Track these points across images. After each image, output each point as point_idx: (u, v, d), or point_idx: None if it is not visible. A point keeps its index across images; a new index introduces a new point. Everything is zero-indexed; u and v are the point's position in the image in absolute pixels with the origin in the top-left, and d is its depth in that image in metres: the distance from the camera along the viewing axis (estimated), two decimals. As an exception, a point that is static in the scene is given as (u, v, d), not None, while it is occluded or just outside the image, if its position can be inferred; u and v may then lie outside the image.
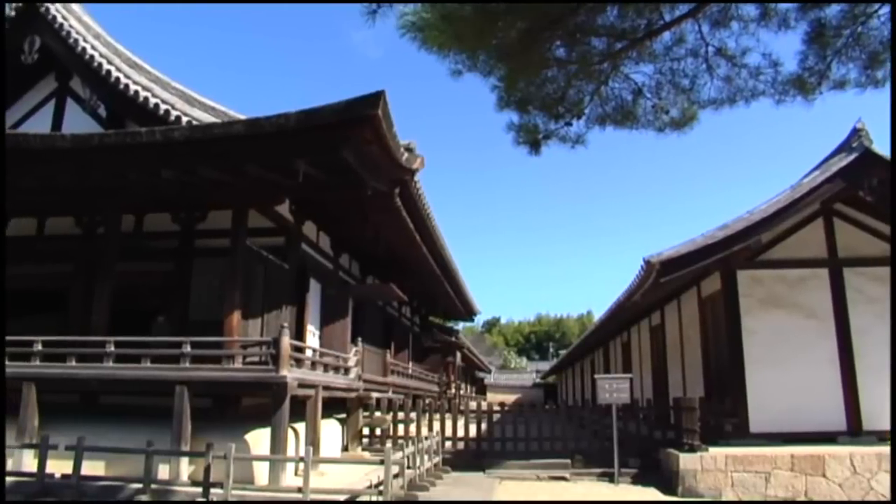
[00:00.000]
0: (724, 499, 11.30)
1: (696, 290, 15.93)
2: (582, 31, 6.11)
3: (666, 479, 12.36)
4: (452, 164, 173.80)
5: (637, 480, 12.95)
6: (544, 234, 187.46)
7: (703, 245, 12.60)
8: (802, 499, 11.14)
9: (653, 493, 11.91)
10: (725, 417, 13.06)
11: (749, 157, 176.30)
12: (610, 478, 13.09)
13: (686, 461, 11.68)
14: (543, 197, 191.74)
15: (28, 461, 10.15)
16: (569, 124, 6.88)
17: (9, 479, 9.76)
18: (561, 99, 6.74)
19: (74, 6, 15.65)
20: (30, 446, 10.23)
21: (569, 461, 13.78)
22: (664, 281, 13.01)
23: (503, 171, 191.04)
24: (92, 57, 13.86)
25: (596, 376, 16.56)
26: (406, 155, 10.96)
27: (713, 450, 11.82)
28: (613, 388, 14.09)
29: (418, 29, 5.43)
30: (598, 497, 11.51)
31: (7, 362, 11.18)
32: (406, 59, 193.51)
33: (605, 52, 6.32)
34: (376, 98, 8.92)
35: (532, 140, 6.90)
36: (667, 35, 6.22)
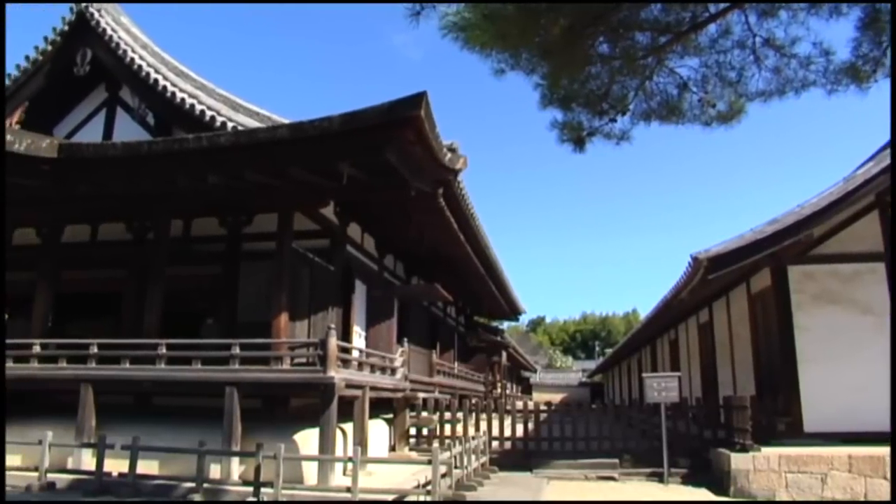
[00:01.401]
0: (777, 500, 11.04)
1: (745, 286, 15.60)
2: (625, 26, 6.04)
3: (717, 479, 12.14)
4: (495, 163, 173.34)
5: (687, 480, 12.76)
6: (589, 231, 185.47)
7: (752, 240, 12.32)
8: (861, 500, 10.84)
9: (704, 494, 11.70)
10: (778, 416, 12.75)
11: (801, 150, 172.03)
12: (659, 478, 12.92)
13: (738, 461, 11.45)
14: (588, 194, 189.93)
15: (87, 460, 10.47)
16: (613, 121, 6.82)
17: (69, 476, 10.11)
18: (605, 95, 6.67)
19: (123, 18, 16.08)
20: (88, 445, 10.55)
21: (617, 461, 13.63)
22: (712, 278, 12.76)
23: (547, 169, 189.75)
24: (140, 67, 14.21)
25: (644, 375, 16.34)
26: (449, 155, 10.97)
27: (766, 450, 11.56)
28: (662, 387, 13.90)
29: (460, 29, 5.43)
30: (649, 497, 11.37)
31: (65, 364, 11.58)
32: (448, 59, 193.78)
33: (650, 47, 6.24)
34: (418, 99, 8.94)
35: (576, 137, 6.85)
36: (712, 27, 6.11)
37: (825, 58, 5.95)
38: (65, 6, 15.43)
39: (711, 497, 11.45)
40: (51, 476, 9.98)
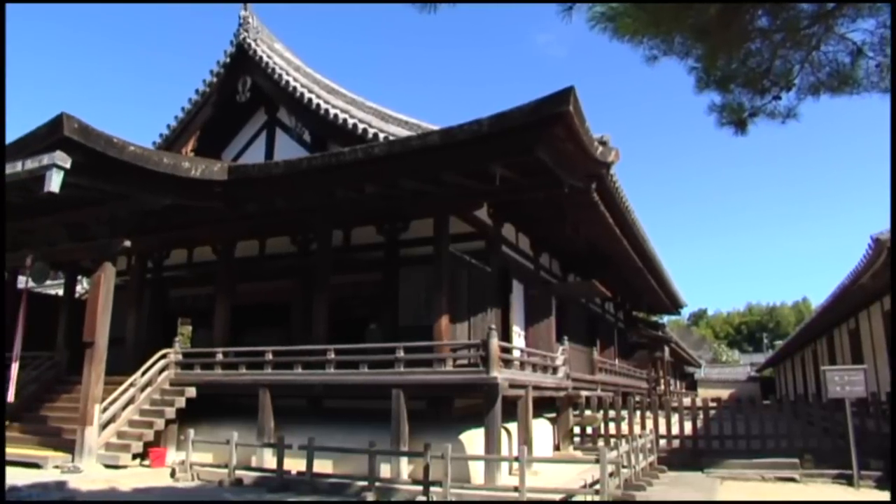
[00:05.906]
0: None
1: (937, 267, 14.13)
2: (786, -5, 5.63)
3: (918, 482, 11.03)
4: (650, 153, 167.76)
5: (882, 484, 11.65)
6: (752, 218, 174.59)
7: (945, 216, 11.13)
8: None
9: (903, 498, 10.68)
10: None
11: None
12: (848, 480, 11.93)
13: (942, 462, 10.35)
14: (749, 179, 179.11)
15: (268, 458, 11.26)
16: (777, 98, 6.36)
17: (254, 473, 10.89)
18: (766, 72, 6.24)
19: (277, 45, 17.12)
20: (269, 445, 11.34)
21: (797, 461, 12.76)
22: (897, 260, 11.68)
23: (704, 156, 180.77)
24: (294, 88, 15.08)
25: (824, 368, 15.19)
26: (600, 149, 10.74)
27: (976, 449, 10.38)
28: (845, 381, 12.83)
29: (609, 19, 5.30)
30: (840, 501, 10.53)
31: (244, 370, 12.48)
32: (595, 53, 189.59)
33: (815, 14, 5.76)
34: (566, 95, 8.82)
35: (737, 119, 6.47)
36: (891, -19, 5.55)
37: None
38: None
39: (913, 501, 10.44)
40: (238, 473, 10.79)
